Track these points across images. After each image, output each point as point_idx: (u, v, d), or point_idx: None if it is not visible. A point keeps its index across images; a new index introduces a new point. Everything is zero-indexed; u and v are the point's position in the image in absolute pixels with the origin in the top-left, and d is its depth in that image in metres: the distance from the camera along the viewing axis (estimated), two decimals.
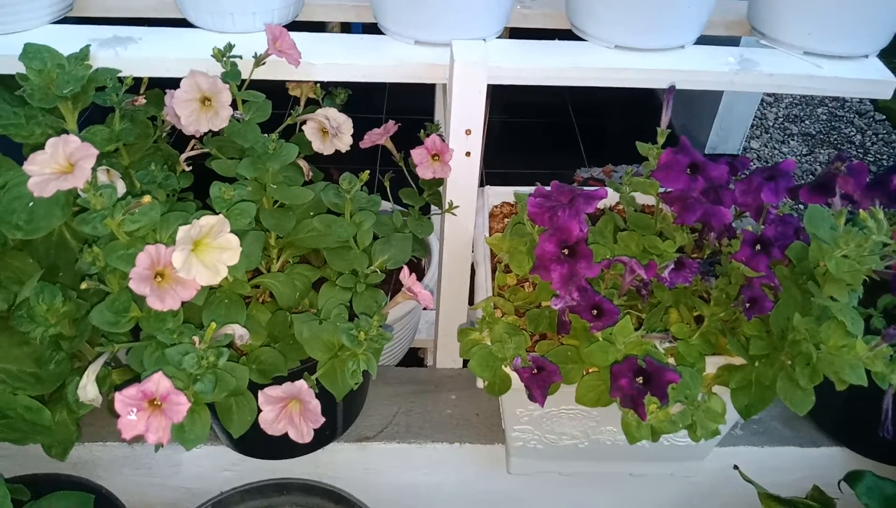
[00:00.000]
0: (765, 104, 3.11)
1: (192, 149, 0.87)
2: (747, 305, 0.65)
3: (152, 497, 0.97)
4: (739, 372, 0.69)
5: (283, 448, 0.90)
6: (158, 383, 0.57)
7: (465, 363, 1.07)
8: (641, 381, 0.61)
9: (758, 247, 0.65)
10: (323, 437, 0.91)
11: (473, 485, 0.96)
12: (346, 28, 2.23)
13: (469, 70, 0.81)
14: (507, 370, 0.70)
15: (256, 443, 0.89)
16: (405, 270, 0.69)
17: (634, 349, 0.64)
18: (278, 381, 0.69)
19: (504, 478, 0.93)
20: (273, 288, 0.79)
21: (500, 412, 0.97)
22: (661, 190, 0.73)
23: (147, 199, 0.61)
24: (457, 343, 1.02)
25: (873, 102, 3.12)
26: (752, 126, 2.91)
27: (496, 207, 0.97)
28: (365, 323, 0.67)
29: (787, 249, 0.68)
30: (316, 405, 0.63)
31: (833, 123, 3.03)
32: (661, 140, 0.74)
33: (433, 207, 0.95)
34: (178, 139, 0.90)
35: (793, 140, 2.92)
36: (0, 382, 0.77)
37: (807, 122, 3.06)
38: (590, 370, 0.69)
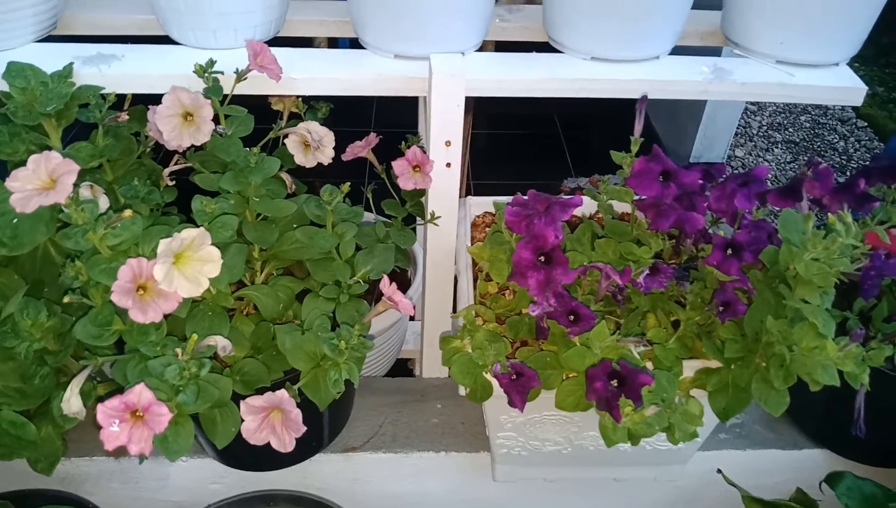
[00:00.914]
0: (749, 113, 3.15)
1: (175, 164, 0.88)
2: (721, 308, 0.67)
3: None
4: (716, 375, 0.71)
5: (269, 459, 0.90)
6: (140, 394, 0.57)
7: None
8: (616, 384, 0.62)
9: (729, 251, 0.67)
10: (309, 448, 0.91)
11: (460, 493, 0.97)
12: (333, 43, 2.25)
13: (447, 82, 0.82)
14: (488, 376, 0.71)
15: (242, 455, 0.89)
16: (385, 279, 0.70)
17: (611, 353, 0.65)
18: (262, 392, 0.70)
19: (490, 486, 0.94)
20: (257, 300, 0.80)
21: (483, 420, 0.98)
22: (636, 197, 0.75)
23: (128, 213, 0.62)
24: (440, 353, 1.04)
25: (855, 109, 3.16)
26: (736, 134, 2.95)
27: (478, 217, 0.99)
28: (346, 332, 0.68)
29: (761, 253, 0.70)
30: (297, 414, 0.63)
31: (816, 131, 3.07)
32: (634, 148, 0.76)
33: (417, 218, 0.96)
34: (162, 155, 0.92)
35: (777, 148, 2.95)
36: None
37: (790, 129, 3.09)
38: (569, 376, 0.70)
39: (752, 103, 3.19)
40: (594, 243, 0.76)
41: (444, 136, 0.85)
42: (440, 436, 0.97)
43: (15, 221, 0.78)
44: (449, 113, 0.84)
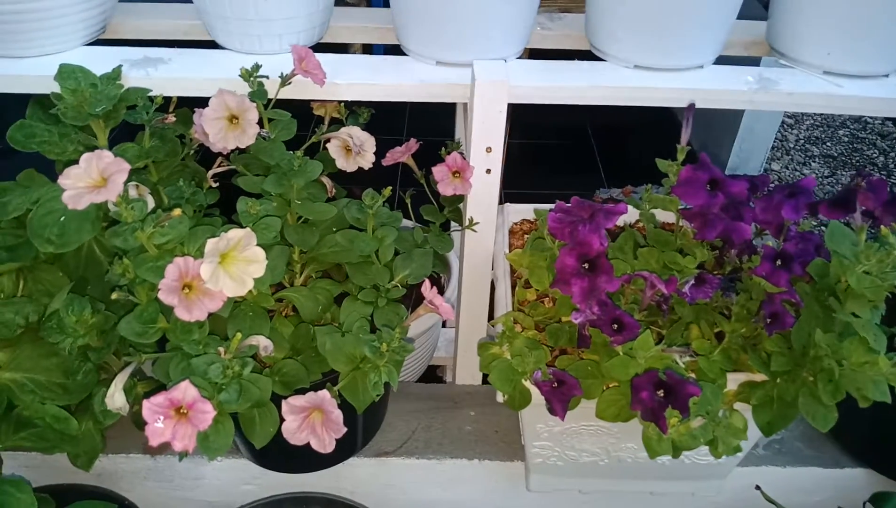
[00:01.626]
0: (785, 126, 3.10)
1: (218, 166, 0.89)
2: (768, 320, 0.65)
3: None
4: (760, 389, 0.69)
5: (303, 461, 0.90)
6: (185, 391, 0.58)
7: (485, 379, 1.08)
8: (662, 394, 0.61)
9: (778, 262, 0.65)
10: (343, 451, 0.91)
11: (492, 502, 0.96)
12: (368, 50, 2.27)
13: (490, 89, 0.82)
14: (528, 384, 0.70)
15: (277, 456, 0.90)
16: (426, 283, 0.70)
17: (655, 363, 0.64)
18: (301, 393, 0.70)
19: (523, 495, 0.93)
20: (296, 302, 0.80)
21: (519, 429, 0.97)
22: (681, 207, 0.74)
23: (177, 212, 0.63)
24: (476, 360, 1.03)
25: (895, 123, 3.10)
26: (772, 148, 2.90)
27: (516, 224, 0.98)
28: (387, 335, 0.68)
29: (809, 265, 0.68)
30: (338, 415, 0.63)
31: (855, 145, 3.01)
32: (680, 157, 0.75)
33: (453, 224, 0.96)
34: (205, 157, 0.93)
35: (814, 162, 2.90)
36: (29, 392, 0.79)
37: (828, 143, 3.04)
38: (610, 385, 0.69)
39: (790, 116, 3.14)
40: (636, 253, 0.75)
41: (486, 142, 0.85)
42: (473, 444, 0.96)
43: (62, 219, 0.80)
44: (491, 119, 0.84)
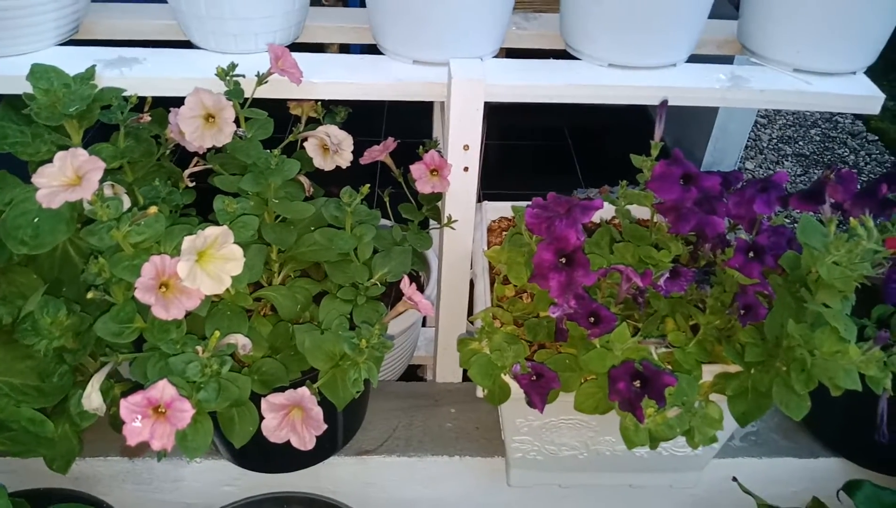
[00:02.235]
0: (759, 125, 3.15)
1: (194, 166, 0.89)
2: (742, 312, 0.67)
3: None
4: (735, 380, 0.70)
5: (283, 461, 0.90)
6: (163, 390, 0.57)
7: (465, 377, 1.08)
8: (639, 385, 0.62)
9: (751, 254, 0.67)
10: (323, 450, 0.91)
11: (473, 498, 0.97)
12: (345, 50, 2.27)
13: (467, 87, 0.83)
14: (507, 378, 0.71)
15: (257, 456, 0.89)
16: (406, 279, 0.71)
17: (632, 355, 0.65)
18: (280, 391, 0.70)
19: (504, 491, 0.93)
20: (275, 301, 0.80)
21: (499, 425, 0.98)
22: (656, 201, 0.75)
23: (153, 210, 0.63)
24: (456, 357, 1.03)
25: (866, 122, 3.16)
26: (746, 147, 2.95)
27: (494, 222, 0.99)
28: (367, 331, 0.68)
29: (781, 258, 0.70)
30: (318, 411, 0.63)
31: (826, 144, 3.07)
32: (654, 152, 0.76)
33: (431, 222, 0.96)
34: (181, 158, 0.92)
35: (787, 161, 2.95)
36: (3, 395, 0.77)
37: (801, 142, 3.09)
38: (588, 378, 0.70)
39: (762, 116, 3.19)
40: (612, 247, 0.76)
41: (463, 140, 0.85)
42: (454, 441, 0.97)
43: (36, 220, 0.79)
44: (468, 118, 0.84)
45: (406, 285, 0.70)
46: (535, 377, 0.66)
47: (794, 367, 0.65)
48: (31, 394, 0.79)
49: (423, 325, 1.30)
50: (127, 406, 0.57)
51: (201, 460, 0.94)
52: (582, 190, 2.71)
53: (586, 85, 0.90)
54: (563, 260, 0.63)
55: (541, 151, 2.85)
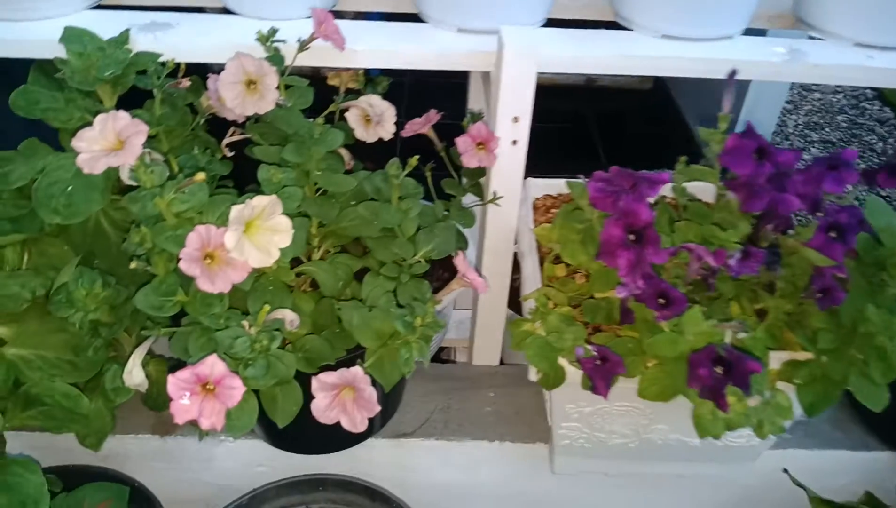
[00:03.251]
0: (784, 111, 3.09)
1: (232, 135, 0.85)
2: (819, 295, 0.63)
3: (183, 492, 0.95)
4: (805, 367, 0.67)
5: (320, 442, 0.87)
6: (213, 366, 0.54)
7: (503, 360, 1.05)
8: (721, 370, 0.58)
9: (832, 234, 0.63)
10: (361, 432, 0.88)
11: (514, 484, 0.94)
12: (362, 17, 2.21)
13: (520, 56, 0.79)
14: (564, 361, 0.67)
15: (293, 437, 0.86)
16: (460, 255, 0.67)
17: (703, 340, 0.62)
18: (325, 370, 0.67)
19: (546, 478, 0.90)
20: (317, 276, 0.77)
21: (541, 410, 0.95)
22: (725, 178, 0.71)
23: (201, 176, 0.59)
24: (496, 339, 1.00)
25: (894, 109, 3.09)
26: (772, 133, 2.89)
27: (538, 199, 0.95)
28: (420, 309, 0.65)
29: (855, 239, 0.66)
30: (371, 392, 0.60)
31: (854, 131, 3.00)
32: (723, 125, 0.72)
33: (472, 199, 0.92)
34: (213, 130, 0.89)
35: (813, 147, 2.89)
36: (37, 369, 0.75)
37: (827, 129, 3.03)
38: (651, 363, 0.66)
39: (788, 102, 3.13)
40: (673, 226, 0.72)
41: (513, 112, 0.81)
42: (494, 425, 0.94)
43: (69, 189, 0.76)
44: (519, 88, 0.80)
45: (461, 262, 0.66)
46: (599, 362, 0.63)
47: (872, 355, 0.62)
48: (65, 368, 0.76)
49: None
50: (175, 383, 0.54)
51: (234, 439, 0.91)
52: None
53: (638, 56, 0.86)
54: (633, 237, 0.60)
55: (562, 133, 2.80)
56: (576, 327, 0.66)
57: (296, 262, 0.80)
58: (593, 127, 2.83)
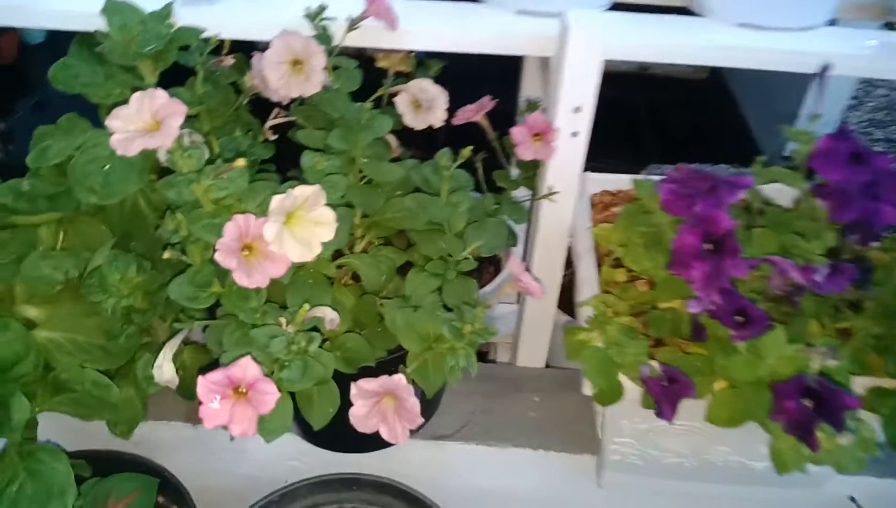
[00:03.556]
0: (847, 108, 2.94)
1: (275, 117, 0.81)
2: None
3: (214, 482, 0.92)
4: (893, 397, 0.60)
5: (356, 441, 0.83)
6: (246, 368, 0.50)
7: (548, 363, 1.00)
8: (812, 404, 0.53)
9: None
10: None
11: (555, 496, 0.88)
12: None
13: (586, 41, 0.73)
14: (624, 378, 0.62)
15: (329, 434, 0.82)
16: (515, 257, 0.62)
17: (787, 365, 0.56)
18: (365, 372, 0.63)
19: (590, 491, 0.85)
20: (359, 269, 0.72)
21: (589, 418, 0.90)
22: (812, 183, 0.64)
23: (241, 162, 0.55)
24: (542, 341, 0.95)
25: None
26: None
27: (595, 195, 0.89)
28: (469, 313, 0.60)
29: None
30: (414, 403, 0.56)
31: None
32: (814, 124, 0.65)
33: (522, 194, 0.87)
34: (258, 110, 0.85)
35: (878, 145, 2.75)
36: (67, 353, 0.72)
37: (891, 127, 2.88)
38: (720, 384, 0.61)
39: (853, 97, 2.98)
40: (750, 234, 0.66)
41: (575, 101, 0.75)
42: (537, 432, 0.89)
43: (107, 168, 0.73)
44: (583, 75, 0.74)
45: (516, 264, 0.61)
46: (667, 383, 0.57)
47: None
48: (97, 354, 0.73)
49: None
50: (205, 385, 0.50)
51: None
52: (655, 166, 2.57)
53: (713, 46, 0.79)
54: (710, 246, 0.54)
55: (613, 123, 2.71)
56: (639, 341, 0.61)
57: (337, 253, 0.76)
58: (644, 117, 2.73)
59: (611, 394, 0.63)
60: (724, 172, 0.77)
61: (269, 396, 0.51)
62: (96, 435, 0.84)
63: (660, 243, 0.66)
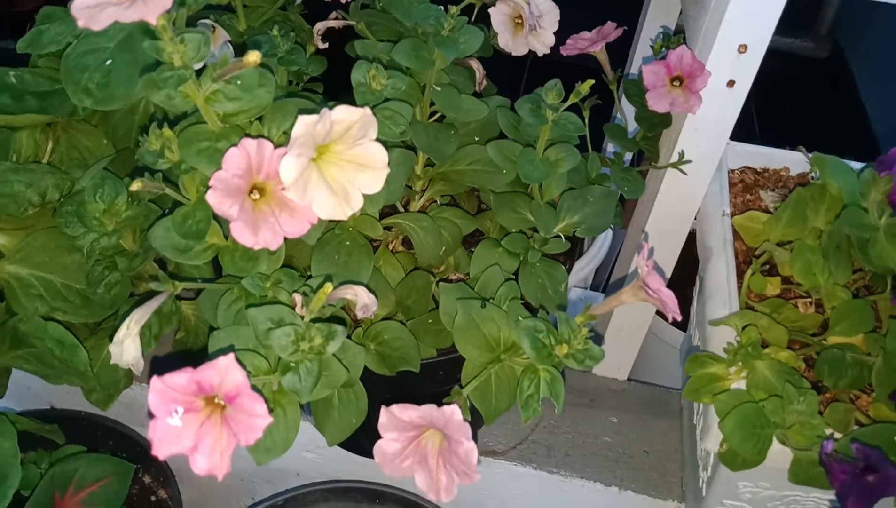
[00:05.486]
0: None
1: (332, 19, 0.62)
2: None
3: None
4: None
5: None
6: (225, 373, 0.33)
7: (631, 376, 0.80)
8: None
9: None
10: None
11: None
12: None
13: None
14: (784, 447, 0.42)
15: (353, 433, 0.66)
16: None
17: None
18: (405, 377, 0.45)
19: None
20: (413, 235, 0.54)
21: (678, 452, 0.70)
22: None
23: (254, 57, 0.36)
24: (631, 349, 0.76)
25: None
26: None
27: (734, 172, 0.68)
28: (566, 327, 0.41)
29: None
30: (469, 449, 0.37)
31: None
32: None
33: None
34: (313, 18, 0.66)
35: None
36: (36, 297, 0.56)
37: None
38: None
39: None
40: None
41: (741, 37, 0.54)
42: (613, 463, 0.70)
43: (108, 63, 0.56)
44: (758, 3, 0.52)
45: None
46: (860, 471, 0.38)
47: None
48: (73, 302, 0.58)
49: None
50: (161, 390, 0.32)
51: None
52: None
53: None
54: None
55: None
56: (809, 395, 0.41)
57: (386, 211, 0.57)
58: (750, 92, 2.44)
59: (751, 460, 0.44)
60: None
61: (256, 420, 0.33)
62: (80, 394, 0.69)
63: (843, 252, 0.46)
